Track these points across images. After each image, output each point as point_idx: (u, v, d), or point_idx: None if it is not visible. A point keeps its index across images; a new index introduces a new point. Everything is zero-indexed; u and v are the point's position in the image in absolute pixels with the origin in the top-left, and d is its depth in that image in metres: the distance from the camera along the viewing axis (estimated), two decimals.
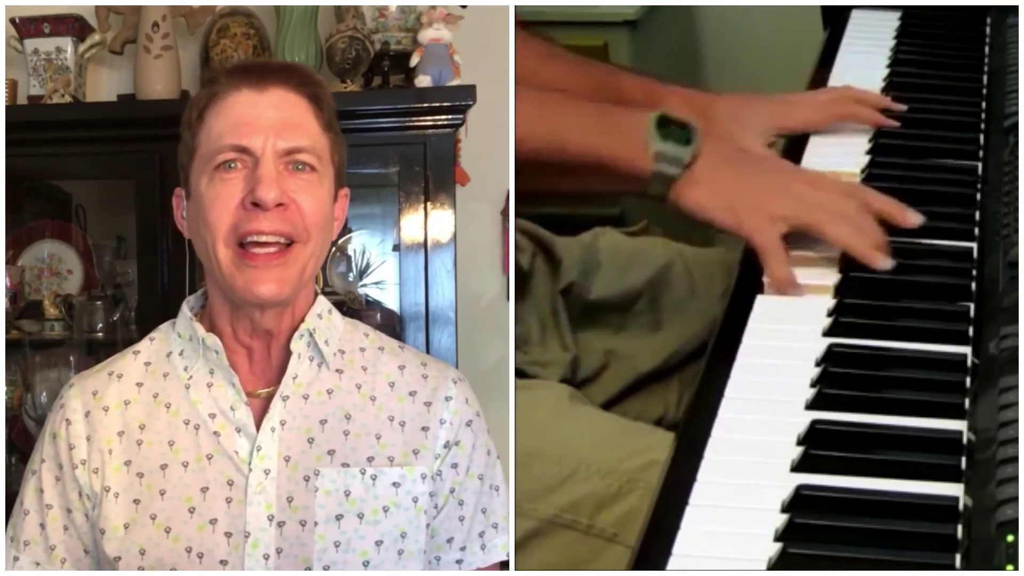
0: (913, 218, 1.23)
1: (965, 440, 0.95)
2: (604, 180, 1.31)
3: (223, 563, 1.09)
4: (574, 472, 1.31)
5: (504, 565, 1.25)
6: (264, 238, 1.09)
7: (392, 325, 1.96)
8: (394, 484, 1.14)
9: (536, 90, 1.37)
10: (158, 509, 1.11)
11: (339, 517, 1.12)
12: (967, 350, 1.07)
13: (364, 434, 1.15)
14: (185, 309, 1.20)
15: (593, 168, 1.29)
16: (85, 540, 1.15)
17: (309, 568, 1.10)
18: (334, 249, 2.13)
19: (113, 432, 1.14)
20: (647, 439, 1.33)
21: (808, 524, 0.88)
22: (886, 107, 1.49)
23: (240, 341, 1.16)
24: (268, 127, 1.10)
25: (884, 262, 1.19)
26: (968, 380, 1.03)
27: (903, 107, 1.48)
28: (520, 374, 1.51)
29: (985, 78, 1.59)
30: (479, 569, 1.21)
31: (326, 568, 1.11)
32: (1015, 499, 0.83)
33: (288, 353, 1.15)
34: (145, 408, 1.15)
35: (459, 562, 1.20)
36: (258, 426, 1.13)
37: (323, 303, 1.20)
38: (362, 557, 1.12)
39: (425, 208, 1.89)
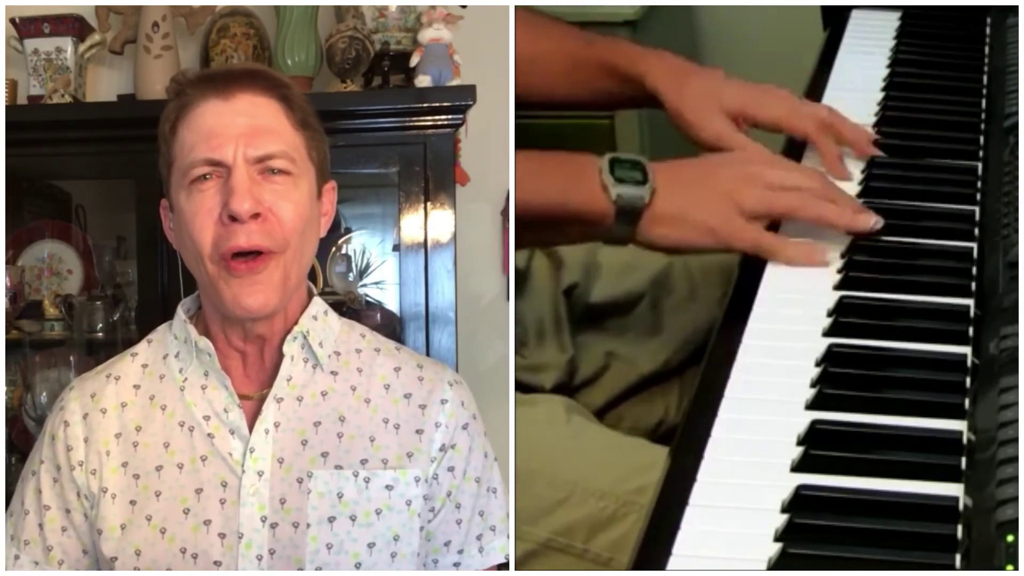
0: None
1: (965, 440, 0.95)
2: (577, 230, 1.29)
3: (217, 564, 1.10)
4: (569, 495, 1.31)
5: (503, 567, 1.24)
6: (243, 256, 1.09)
7: (392, 325, 1.96)
8: (387, 487, 1.14)
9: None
10: (153, 510, 1.12)
11: (332, 519, 1.11)
12: (967, 350, 1.07)
13: (358, 436, 1.15)
14: (180, 312, 1.20)
15: (564, 219, 1.27)
16: (84, 540, 1.15)
17: (302, 570, 1.10)
18: (333, 249, 2.13)
19: (111, 434, 1.15)
20: (644, 457, 1.32)
21: (808, 524, 0.88)
22: (862, 147, 1.40)
23: (233, 346, 1.16)
24: (237, 135, 1.09)
25: (873, 222, 1.21)
26: (968, 380, 1.03)
27: (880, 153, 1.39)
28: (518, 384, 1.51)
29: (985, 78, 1.59)
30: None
31: (318, 570, 1.11)
32: (1015, 499, 0.83)
33: (282, 356, 1.15)
34: (141, 410, 1.16)
35: (457, 565, 1.19)
36: (252, 428, 1.13)
37: (318, 304, 1.20)
38: (354, 559, 1.12)
39: (425, 208, 1.89)
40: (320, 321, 1.19)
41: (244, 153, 1.09)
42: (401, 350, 1.24)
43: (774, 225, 1.26)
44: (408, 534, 1.14)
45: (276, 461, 1.12)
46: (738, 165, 1.27)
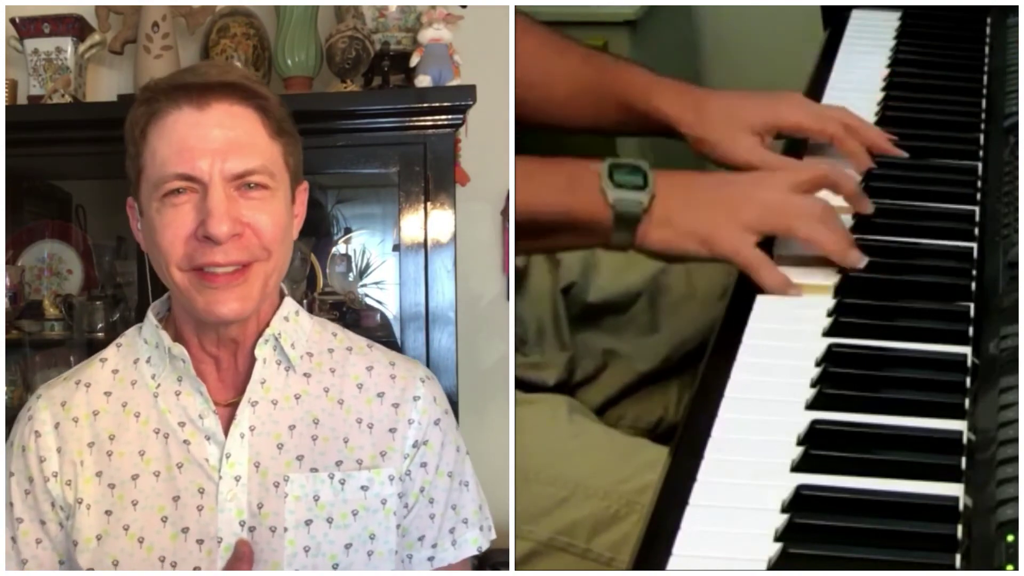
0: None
1: (965, 440, 0.95)
2: (575, 236, 1.27)
3: (197, 570, 1.09)
4: (571, 494, 1.31)
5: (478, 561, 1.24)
6: (220, 270, 1.07)
7: (390, 326, 1.96)
8: (362, 487, 1.13)
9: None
10: (131, 520, 1.10)
11: (308, 522, 1.11)
12: (967, 350, 1.07)
13: (332, 438, 1.14)
14: (151, 315, 1.18)
15: (563, 226, 1.25)
16: (60, 551, 1.13)
17: None
18: (333, 249, 2.14)
19: (84, 443, 1.13)
20: (645, 457, 1.32)
21: (808, 524, 0.88)
22: (880, 148, 1.39)
23: (207, 351, 1.15)
24: (214, 150, 1.06)
25: (860, 260, 1.18)
26: (968, 380, 1.03)
27: (904, 154, 1.39)
28: (518, 382, 1.51)
29: (985, 78, 1.59)
30: (451, 565, 1.21)
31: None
32: (1015, 499, 0.83)
33: (255, 359, 1.14)
34: (114, 418, 1.14)
35: (431, 559, 1.19)
36: (227, 432, 1.12)
37: (289, 305, 1.18)
38: (331, 560, 1.12)
39: (425, 208, 1.89)
40: (291, 322, 1.17)
41: (221, 170, 1.06)
42: (373, 347, 1.23)
43: (768, 242, 1.24)
44: (384, 532, 1.14)
45: (252, 465, 1.11)
46: (742, 186, 1.24)
